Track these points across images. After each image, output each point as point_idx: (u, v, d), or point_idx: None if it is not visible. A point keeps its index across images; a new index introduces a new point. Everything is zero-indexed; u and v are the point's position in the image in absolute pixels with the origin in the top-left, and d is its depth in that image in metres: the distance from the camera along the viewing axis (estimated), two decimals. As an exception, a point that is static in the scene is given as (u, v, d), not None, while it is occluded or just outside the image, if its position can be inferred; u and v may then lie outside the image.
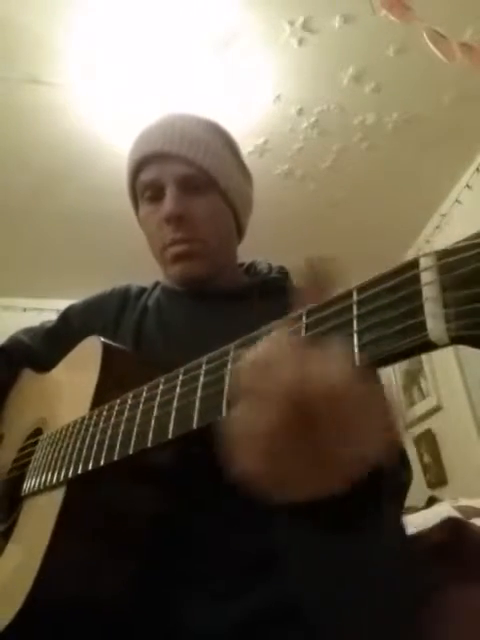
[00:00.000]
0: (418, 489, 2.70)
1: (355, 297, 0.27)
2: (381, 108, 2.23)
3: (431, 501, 2.37)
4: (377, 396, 0.29)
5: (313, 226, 2.85)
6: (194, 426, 0.36)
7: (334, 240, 2.62)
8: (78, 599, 0.50)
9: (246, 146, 2.33)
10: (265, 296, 0.76)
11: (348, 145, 2.40)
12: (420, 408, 2.86)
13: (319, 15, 1.85)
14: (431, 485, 2.72)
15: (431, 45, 1.52)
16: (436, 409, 2.72)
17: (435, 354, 2.77)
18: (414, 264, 0.25)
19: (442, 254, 0.24)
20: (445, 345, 0.23)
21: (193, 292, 0.80)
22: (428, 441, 2.76)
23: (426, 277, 0.24)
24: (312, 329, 0.29)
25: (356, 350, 0.26)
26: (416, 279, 0.25)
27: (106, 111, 2.11)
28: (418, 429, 2.87)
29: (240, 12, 1.81)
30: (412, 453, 2.86)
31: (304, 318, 0.30)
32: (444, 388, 2.68)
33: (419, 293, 0.24)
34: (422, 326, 0.23)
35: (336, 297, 0.29)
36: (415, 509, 2.03)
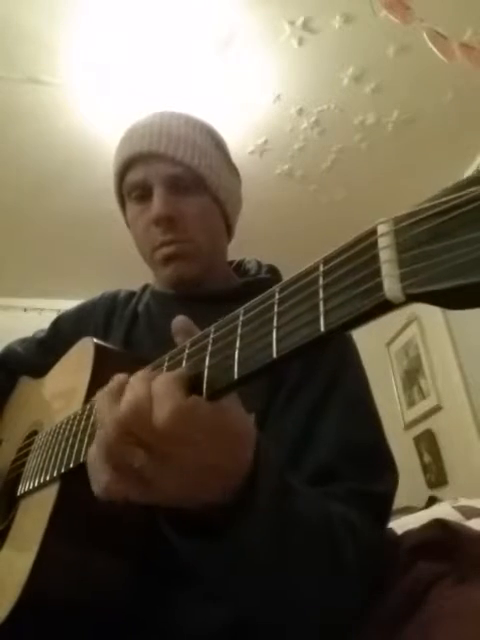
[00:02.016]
0: (418, 489, 2.70)
1: (321, 268, 0.29)
2: (381, 108, 2.23)
3: (431, 501, 2.38)
4: (203, 431, 0.37)
5: (313, 226, 2.85)
6: None
7: (334, 240, 2.62)
8: (71, 597, 0.50)
9: (246, 146, 2.33)
10: (254, 296, 0.75)
11: (348, 145, 2.40)
12: (420, 408, 2.86)
13: (319, 15, 1.85)
14: (431, 485, 2.71)
15: (431, 45, 1.53)
16: (436, 409, 2.72)
17: (435, 354, 2.77)
18: (373, 231, 0.27)
19: (398, 219, 0.25)
20: (402, 303, 0.24)
21: (183, 295, 0.79)
22: (428, 441, 2.76)
23: (383, 242, 0.26)
24: (285, 302, 0.31)
25: (322, 317, 0.27)
26: (374, 244, 0.26)
27: (106, 111, 2.11)
28: (418, 429, 2.87)
29: (240, 12, 1.81)
30: (412, 453, 2.86)
31: (277, 294, 0.32)
32: (444, 388, 2.68)
33: (377, 257, 0.26)
34: (379, 287, 0.25)
35: (306, 270, 0.30)
36: (415, 509, 2.04)
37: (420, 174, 2.57)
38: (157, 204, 0.72)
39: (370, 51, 1.99)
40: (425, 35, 1.52)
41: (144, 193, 0.75)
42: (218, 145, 0.80)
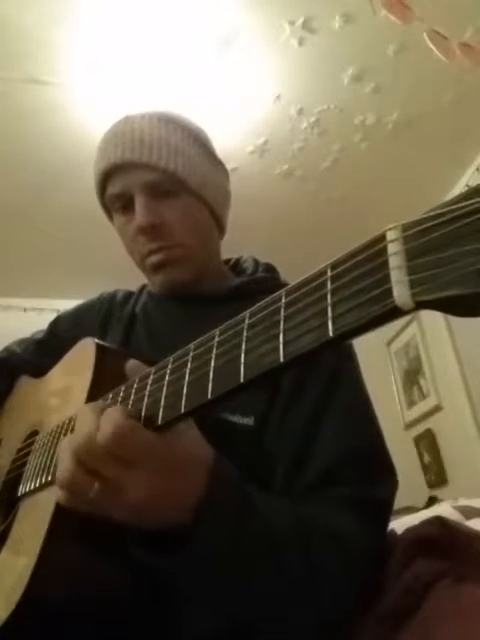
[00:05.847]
0: (418, 489, 2.70)
1: (329, 273, 0.29)
2: (381, 108, 2.23)
3: (431, 501, 2.38)
4: (146, 452, 0.40)
5: (313, 226, 2.85)
6: (182, 410, 0.37)
7: (334, 240, 2.62)
8: (73, 599, 0.50)
9: (246, 146, 2.33)
10: (252, 296, 0.74)
11: (348, 145, 2.40)
12: (420, 408, 2.86)
13: (319, 15, 1.85)
14: (431, 485, 2.71)
15: (431, 45, 1.52)
16: (436, 409, 2.72)
17: (435, 354, 2.77)
18: (382, 237, 0.27)
19: (407, 226, 0.26)
20: (411, 310, 0.25)
21: (180, 296, 0.79)
22: (428, 441, 2.76)
23: (392, 248, 0.26)
24: (291, 306, 0.31)
25: (330, 322, 0.28)
26: (383, 250, 0.26)
27: (107, 111, 2.10)
28: (418, 429, 2.87)
29: (240, 12, 1.81)
30: (412, 453, 2.86)
31: (283, 298, 0.32)
32: (444, 388, 2.68)
33: (386, 263, 0.26)
34: (389, 293, 0.25)
35: (313, 274, 0.30)
36: (415, 509, 2.03)
37: (420, 174, 2.57)
38: (139, 214, 0.71)
39: (370, 51, 1.99)
40: (425, 35, 1.52)
41: (126, 203, 0.73)
42: (196, 140, 0.77)
